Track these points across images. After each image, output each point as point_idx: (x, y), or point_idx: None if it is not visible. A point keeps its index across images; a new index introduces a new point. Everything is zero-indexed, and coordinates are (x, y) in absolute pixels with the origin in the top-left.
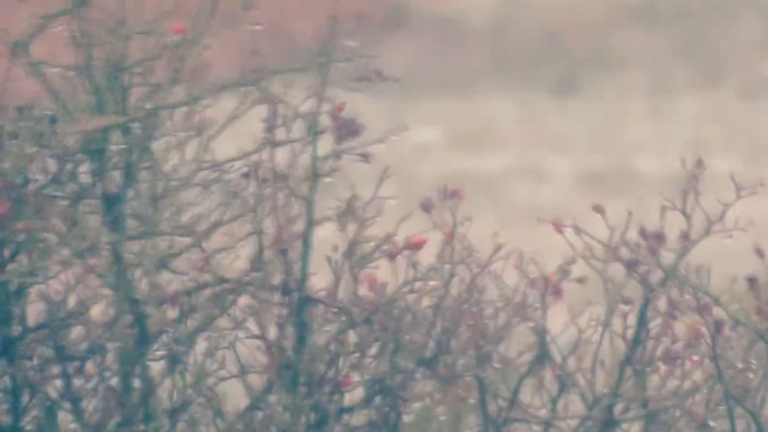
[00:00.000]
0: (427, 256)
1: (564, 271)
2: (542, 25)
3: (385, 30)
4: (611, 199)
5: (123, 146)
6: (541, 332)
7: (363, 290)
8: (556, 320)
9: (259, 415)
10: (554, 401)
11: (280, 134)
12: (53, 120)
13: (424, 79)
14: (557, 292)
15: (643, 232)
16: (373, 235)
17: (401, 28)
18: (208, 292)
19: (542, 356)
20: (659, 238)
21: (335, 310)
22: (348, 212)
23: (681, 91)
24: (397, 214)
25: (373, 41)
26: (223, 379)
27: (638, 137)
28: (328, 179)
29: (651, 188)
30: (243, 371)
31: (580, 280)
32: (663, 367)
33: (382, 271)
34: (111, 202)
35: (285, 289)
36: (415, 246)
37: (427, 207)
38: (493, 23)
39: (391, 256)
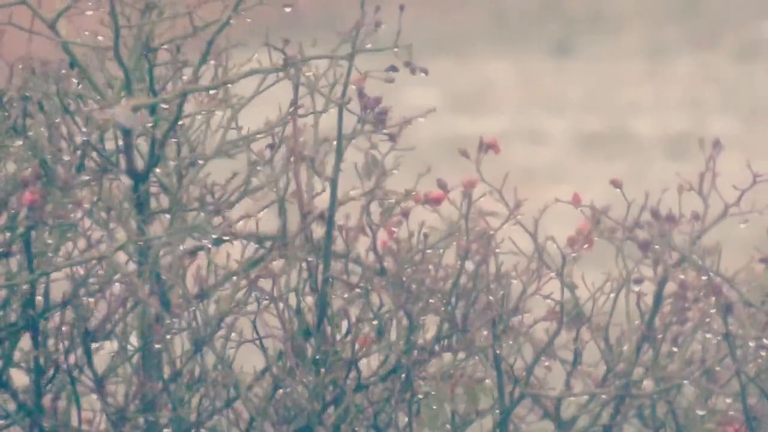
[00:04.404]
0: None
1: (579, 247)
2: None
3: None
4: (608, 161)
5: (150, 125)
6: (574, 292)
7: (382, 246)
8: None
9: (277, 389)
10: (568, 377)
11: (305, 109)
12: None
13: (421, 40)
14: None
15: (655, 214)
16: (391, 191)
17: None
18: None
19: (559, 330)
20: (671, 220)
21: (355, 263)
22: (368, 168)
23: (678, 53)
24: (396, 177)
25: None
26: (240, 343)
27: (635, 99)
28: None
29: (648, 149)
30: (260, 339)
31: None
32: (675, 347)
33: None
34: (137, 178)
35: (307, 258)
36: (434, 201)
37: (465, 155)
38: None
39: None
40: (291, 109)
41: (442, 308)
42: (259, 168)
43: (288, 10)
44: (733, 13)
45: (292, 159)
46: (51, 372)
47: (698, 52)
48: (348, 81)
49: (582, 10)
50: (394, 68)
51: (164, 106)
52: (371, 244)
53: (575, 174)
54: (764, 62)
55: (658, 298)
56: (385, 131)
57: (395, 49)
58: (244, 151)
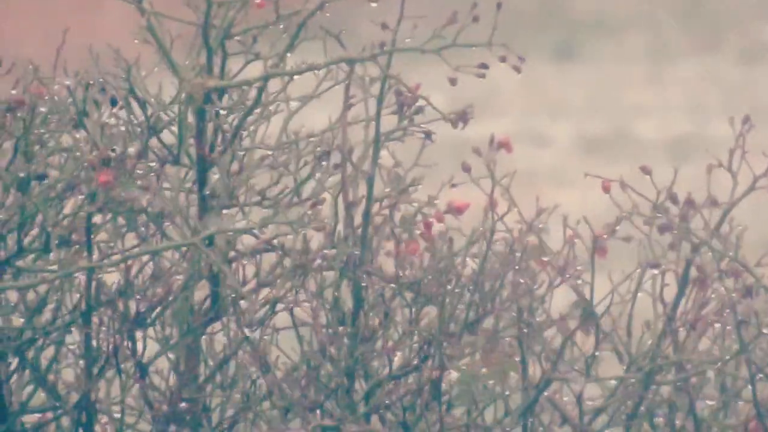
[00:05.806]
0: (469, 218)
1: (611, 230)
2: None
3: None
4: (611, 163)
5: (222, 111)
6: (583, 295)
7: (406, 256)
8: (598, 282)
9: (310, 375)
10: (589, 362)
11: (357, 110)
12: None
13: (423, 44)
14: (602, 250)
15: (673, 197)
16: (414, 198)
17: None
18: (281, 268)
19: (585, 318)
20: (690, 204)
21: (389, 282)
22: (392, 179)
23: (680, 56)
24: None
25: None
26: (276, 329)
27: (638, 102)
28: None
29: (651, 152)
30: (296, 328)
31: (626, 239)
32: (696, 332)
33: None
34: (204, 165)
35: (349, 263)
36: (458, 210)
37: (477, 152)
38: None
39: (435, 221)
40: (346, 105)
41: (469, 294)
42: (323, 162)
43: (374, 5)
44: (735, 16)
45: (338, 159)
46: (102, 361)
47: (700, 55)
48: (386, 76)
49: (584, 13)
50: (485, 65)
51: (245, 88)
52: (395, 252)
53: (578, 177)
54: (766, 65)
55: (684, 282)
56: (422, 130)
57: (491, 46)
58: (307, 146)
